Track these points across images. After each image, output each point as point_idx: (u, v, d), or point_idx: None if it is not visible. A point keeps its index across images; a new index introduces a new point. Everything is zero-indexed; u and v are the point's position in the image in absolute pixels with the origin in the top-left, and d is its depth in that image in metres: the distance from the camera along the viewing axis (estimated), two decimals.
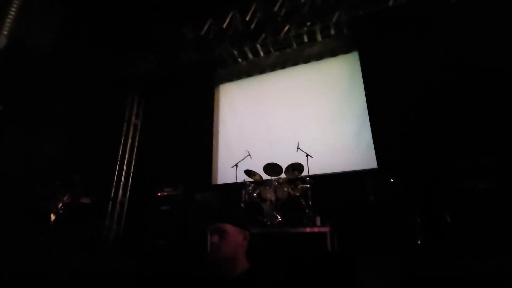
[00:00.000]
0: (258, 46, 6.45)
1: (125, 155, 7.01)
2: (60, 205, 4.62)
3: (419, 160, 4.50)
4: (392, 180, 4.13)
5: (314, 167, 4.68)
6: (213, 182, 6.28)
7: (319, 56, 6.36)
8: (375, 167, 4.96)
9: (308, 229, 3.89)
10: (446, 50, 4.88)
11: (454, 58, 4.75)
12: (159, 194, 5.34)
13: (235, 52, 6.65)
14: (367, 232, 3.91)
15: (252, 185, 4.84)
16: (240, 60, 6.88)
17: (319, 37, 6.14)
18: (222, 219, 1.39)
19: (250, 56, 6.75)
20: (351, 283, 2.51)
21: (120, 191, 6.72)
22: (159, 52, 6.95)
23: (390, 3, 5.19)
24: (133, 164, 7.12)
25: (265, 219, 4.35)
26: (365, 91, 5.50)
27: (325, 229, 3.76)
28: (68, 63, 5.58)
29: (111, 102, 6.69)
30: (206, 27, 6.30)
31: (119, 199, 6.64)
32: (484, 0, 4.71)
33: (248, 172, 4.89)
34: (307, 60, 6.46)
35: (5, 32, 4.22)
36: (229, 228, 1.36)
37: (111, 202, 6.49)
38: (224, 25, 6.21)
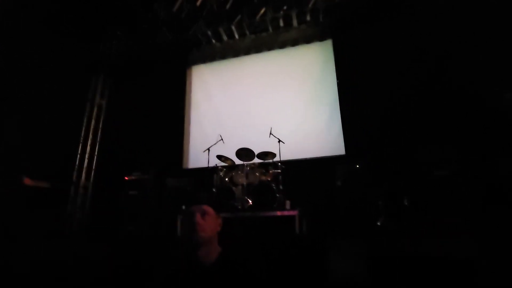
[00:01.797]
0: (233, 28, 6.26)
1: (88, 137, 6.58)
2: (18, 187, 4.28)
3: (384, 148, 4.78)
4: (358, 166, 4.35)
5: (285, 153, 4.78)
6: (184, 167, 6.17)
7: (294, 42, 6.35)
8: (343, 154, 5.18)
9: (278, 213, 4.01)
10: (417, 41, 5.08)
11: (424, 51, 4.98)
12: (127, 178, 5.14)
13: (209, 33, 6.40)
14: (335, 215, 4.14)
15: (224, 169, 4.83)
16: (214, 41, 6.65)
17: (295, 23, 6.11)
18: (202, 202, 1.39)
19: (225, 37, 6.54)
20: (320, 264, 2.66)
21: (84, 174, 6.35)
22: (128, 29, 6.47)
23: None
24: (97, 146, 6.72)
25: (236, 204, 4.40)
26: (337, 79, 5.63)
27: (294, 213, 3.90)
28: (24, 36, 5.00)
29: (73, 80, 6.17)
30: (178, 3, 5.96)
31: (82, 183, 6.29)
32: None
33: (220, 157, 4.86)
34: (282, 45, 6.41)
35: None
36: (210, 210, 1.37)
37: (73, 186, 6.13)
38: (198, 3, 5.92)
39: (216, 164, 4.87)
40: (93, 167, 6.55)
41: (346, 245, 2.80)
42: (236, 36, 6.49)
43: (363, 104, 5.15)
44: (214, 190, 4.61)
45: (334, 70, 5.72)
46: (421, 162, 3.99)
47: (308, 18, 6.00)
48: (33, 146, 5.02)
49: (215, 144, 5.06)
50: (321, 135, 5.51)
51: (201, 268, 1.28)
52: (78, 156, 6.36)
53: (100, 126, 6.86)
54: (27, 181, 4.59)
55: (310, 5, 5.67)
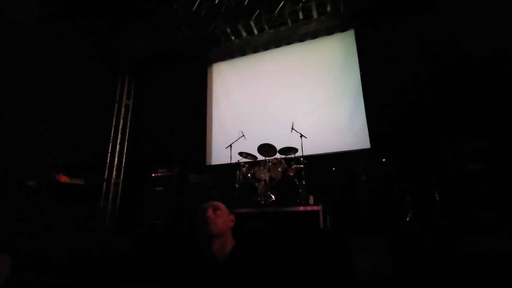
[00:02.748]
0: (252, 24, 6.24)
1: (117, 136, 6.91)
2: (52, 184, 4.60)
3: (411, 141, 4.56)
4: (384, 160, 4.19)
5: (308, 147, 4.71)
6: (207, 163, 6.29)
7: (314, 34, 6.20)
8: (368, 147, 5.01)
9: (301, 208, 3.97)
10: (445, 30, 4.80)
11: (453, 40, 4.69)
12: (153, 175, 5.33)
13: (228, 30, 6.42)
14: (359, 211, 4.02)
15: (247, 165, 4.86)
16: (233, 38, 6.67)
17: (315, 14, 5.95)
18: (215, 198, 1.44)
19: (244, 34, 6.54)
20: (344, 260, 2.60)
21: (114, 172, 6.69)
22: (150, 30, 6.69)
23: None
24: (125, 145, 7.04)
25: (259, 199, 4.41)
26: (360, 71, 5.44)
27: (318, 208, 3.84)
28: (56, 41, 5.35)
29: (101, 82, 6.51)
30: (197, 3, 6.04)
31: (113, 180, 6.63)
32: None
33: (242, 153, 4.89)
34: (302, 38, 6.30)
35: None
36: (221, 205, 1.42)
37: (105, 183, 6.48)
38: (216, 1, 5.96)
39: (238, 160, 4.91)
40: (123, 165, 6.88)
41: (371, 241, 2.71)
42: (255, 32, 6.46)
43: (388, 96, 4.94)
44: (236, 185, 4.66)
45: (357, 61, 5.53)
46: (453, 155, 3.75)
47: (328, 9, 5.82)
48: (69, 145, 5.35)
49: (236, 140, 5.10)
50: (344, 128, 5.36)
51: (216, 261, 1.33)
52: (109, 154, 6.70)
53: (128, 126, 7.17)
54: (64, 178, 4.91)
55: None
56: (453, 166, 3.67)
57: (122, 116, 7.08)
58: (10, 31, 4.67)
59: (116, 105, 7.04)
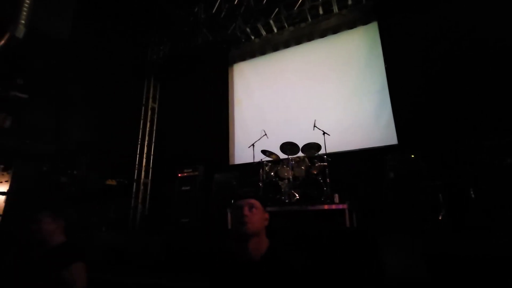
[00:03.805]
0: (271, 22, 6.22)
1: (145, 138, 7.21)
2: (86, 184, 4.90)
3: (441, 136, 4.34)
4: (413, 156, 4.02)
5: (331, 145, 4.63)
6: (231, 162, 6.38)
7: (335, 29, 6.07)
8: (395, 143, 4.84)
9: (326, 207, 3.92)
10: (475, 17, 4.50)
11: (484, 28, 4.38)
12: (179, 175, 5.51)
13: (248, 30, 6.46)
14: (387, 209, 3.90)
15: (270, 164, 4.87)
16: (253, 37, 6.70)
17: (335, 9, 5.82)
18: (250, 195, 1.41)
19: (263, 33, 6.54)
20: (373, 259, 2.54)
21: (143, 173, 6.99)
22: (173, 34, 6.89)
23: None
24: (153, 146, 7.33)
25: (283, 198, 4.42)
26: (385, 64, 5.25)
27: (344, 206, 3.78)
28: (85, 49, 5.68)
29: (129, 86, 6.83)
30: (217, 4, 6.13)
31: (142, 180, 6.93)
32: None
33: (265, 152, 4.92)
34: (323, 34, 6.19)
35: (23, 21, 4.29)
36: (257, 204, 1.39)
37: (135, 183, 6.79)
38: (236, 2, 6.01)
39: (261, 159, 4.94)
40: (150, 166, 7.17)
41: (401, 240, 2.63)
42: (275, 30, 6.44)
43: (415, 89, 4.73)
44: (260, 184, 4.70)
45: (381, 54, 5.33)
46: (489, 149, 3.52)
47: (349, 2, 5.67)
48: (102, 148, 5.66)
49: (259, 139, 5.13)
50: (370, 124, 5.21)
51: (251, 260, 1.31)
52: (137, 156, 7.01)
53: (154, 128, 7.46)
54: (108, 181, 5.20)
55: None
56: (490, 161, 3.45)
57: (148, 119, 7.38)
58: (45, 42, 5.00)
59: (143, 108, 7.35)
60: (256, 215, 1.36)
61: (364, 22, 5.78)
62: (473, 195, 3.68)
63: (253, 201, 1.38)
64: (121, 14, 6.10)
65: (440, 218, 3.60)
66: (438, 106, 4.49)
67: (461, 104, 4.34)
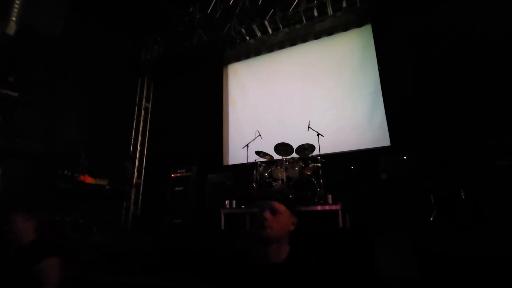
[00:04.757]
0: (266, 23, 6.24)
1: (138, 138, 7.15)
2: (79, 186, 4.83)
3: (433, 137, 4.40)
4: (405, 157, 4.07)
5: (326, 146, 4.66)
6: (225, 163, 6.37)
7: (330, 31, 6.12)
8: (388, 145, 4.89)
9: (319, 207, 3.94)
10: (467, 19, 4.58)
11: (477, 29, 4.46)
12: (172, 175, 5.47)
13: (243, 30, 6.46)
14: (380, 210, 3.94)
15: (264, 165, 4.88)
16: (248, 38, 6.70)
17: (330, 11, 5.86)
18: (275, 198, 1.30)
19: (258, 33, 6.55)
20: (365, 259, 2.56)
21: (135, 173, 6.92)
22: (168, 34, 6.86)
23: None
24: (146, 147, 7.27)
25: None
26: (378, 67, 5.31)
27: (337, 207, 3.80)
28: (79, 48, 5.62)
29: (123, 86, 6.76)
30: (212, 5, 6.13)
31: (135, 180, 6.86)
32: None
33: (259, 153, 4.92)
34: (317, 36, 6.23)
35: (14, 18, 4.22)
36: (282, 208, 1.27)
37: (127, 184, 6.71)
38: (231, 2, 6.02)
39: (255, 160, 4.94)
40: (143, 166, 7.11)
41: (393, 241, 2.65)
42: (270, 31, 6.45)
43: (407, 92, 4.78)
44: (254, 185, 4.69)
45: (375, 57, 5.40)
46: (479, 152, 3.59)
47: (344, 4, 5.72)
48: (94, 147, 5.60)
49: (253, 140, 5.13)
50: (363, 126, 5.25)
51: (270, 265, 1.21)
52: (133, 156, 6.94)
53: (147, 128, 7.40)
54: (89, 179, 5.13)
55: None
56: (480, 163, 3.51)
57: (142, 118, 7.31)
58: (37, 39, 4.94)
59: (136, 108, 7.29)
60: (279, 221, 1.24)
61: (358, 24, 5.84)
62: (463, 196, 3.75)
63: (277, 204, 1.26)
64: (115, 12, 6.05)
65: (431, 218, 3.66)
66: (430, 108, 4.56)
67: (453, 106, 4.41)
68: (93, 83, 5.87)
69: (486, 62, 4.30)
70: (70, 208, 4.57)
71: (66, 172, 4.71)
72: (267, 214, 1.23)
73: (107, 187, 5.28)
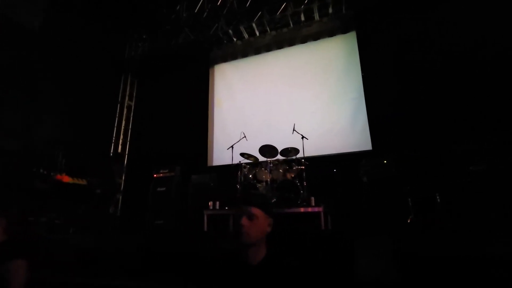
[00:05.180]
0: (254, 25, 6.28)
1: (119, 137, 6.95)
2: (55, 184, 4.64)
3: (413, 143, 4.57)
4: (385, 161, 4.20)
5: (309, 149, 4.72)
6: (209, 164, 6.31)
7: (316, 36, 6.24)
8: (369, 149, 5.02)
9: (302, 209, 3.98)
10: (448, 31, 4.80)
11: (455, 41, 4.68)
12: (155, 175, 5.36)
13: (230, 31, 6.46)
14: (361, 212, 4.03)
15: (248, 166, 4.88)
16: (235, 39, 6.71)
17: (316, 16, 5.98)
18: (251, 203, 1.34)
19: (246, 35, 6.57)
20: (345, 261, 2.61)
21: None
22: (153, 31, 6.74)
23: None
24: (128, 146, 7.08)
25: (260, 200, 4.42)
26: (362, 73, 5.46)
27: (319, 209, 3.85)
28: (61, 42, 5.40)
29: (104, 83, 6.55)
30: (200, 4, 6.09)
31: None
32: None
33: (243, 154, 4.91)
34: (304, 40, 6.33)
35: None
36: (259, 212, 1.31)
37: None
38: (219, 2, 6.00)
39: (239, 161, 4.93)
40: (125, 166, 6.91)
41: (373, 243, 2.72)
42: (257, 34, 6.49)
43: (389, 98, 4.94)
44: (238, 186, 4.68)
45: (359, 63, 5.54)
46: (454, 157, 3.77)
47: (330, 10, 5.85)
48: (72, 145, 5.40)
49: (238, 141, 5.12)
50: (346, 130, 5.38)
51: (248, 266, 1.28)
52: (111, 155, 6.73)
53: (130, 126, 7.21)
54: (66, 178, 4.94)
55: None
56: (454, 168, 3.68)
57: (124, 117, 7.13)
58: (15, 32, 4.71)
59: (119, 106, 7.09)
60: (255, 226, 1.29)
61: (344, 31, 5.99)
62: (438, 200, 3.91)
63: (254, 210, 1.31)
64: (99, 7, 5.87)
65: (409, 221, 3.78)
66: (410, 114, 4.72)
67: (432, 112, 4.59)
68: (73, 79, 5.65)
69: (465, 70, 4.51)
70: (46, 208, 4.37)
71: (42, 170, 4.50)
72: (244, 221, 1.28)
73: (96, 188, 5.12)
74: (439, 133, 4.45)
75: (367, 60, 5.46)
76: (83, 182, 5.00)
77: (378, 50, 5.31)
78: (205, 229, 4.31)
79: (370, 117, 5.18)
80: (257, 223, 1.30)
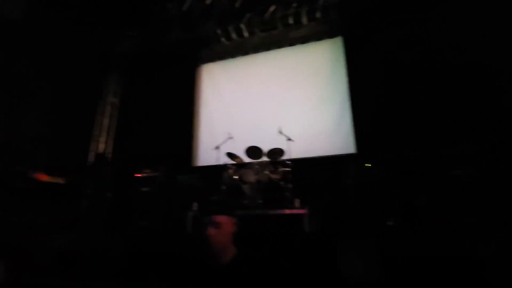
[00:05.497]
0: (243, 26, 6.28)
1: (102, 135, 6.76)
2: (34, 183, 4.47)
3: (396, 147, 4.70)
4: (369, 164, 4.30)
5: (295, 151, 4.77)
6: (195, 164, 6.26)
7: (304, 39, 6.30)
8: (354, 152, 5.13)
9: (286, 211, 4.02)
10: (433, 38, 4.97)
11: (440, 48, 4.85)
12: (139, 175, 5.26)
13: (219, 31, 6.44)
14: (345, 215, 4.11)
15: (234, 167, 4.87)
16: (224, 39, 6.68)
17: (304, 20, 6.06)
18: (215, 212, 1.45)
19: (235, 36, 6.56)
20: (330, 263, 2.66)
21: None
22: (142, 29, 6.60)
23: None
24: (112, 144, 6.89)
25: (246, 201, 4.43)
26: (347, 77, 5.57)
27: (303, 211, 3.90)
28: (43, 35, 5.17)
29: (89, 79, 6.34)
30: (189, 3, 6.02)
31: None
32: None
33: (229, 155, 4.90)
34: (292, 43, 6.38)
35: None
36: (222, 219, 1.43)
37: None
38: (208, 2, 5.96)
39: (225, 162, 4.92)
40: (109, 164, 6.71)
41: (356, 245, 2.79)
42: (246, 34, 6.50)
43: (373, 103, 5.07)
44: (223, 187, 4.66)
45: (345, 68, 5.66)
46: (437, 162, 3.91)
47: (318, 15, 5.94)
48: (54, 143, 5.21)
49: (224, 142, 5.11)
50: (332, 133, 5.47)
51: (217, 268, 1.37)
52: (94, 153, 6.53)
53: (115, 124, 7.02)
54: (44, 177, 4.76)
55: (320, 2, 5.61)
56: (436, 171, 3.82)
57: (108, 114, 6.94)
58: None
59: (103, 103, 6.90)
60: (223, 231, 1.41)
61: (331, 35, 6.08)
62: (422, 203, 4.03)
63: (218, 218, 1.42)
64: (86, 1, 5.67)
65: (392, 223, 3.88)
66: (394, 119, 4.85)
67: (415, 116, 4.73)
68: (56, 75, 5.44)
69: (447, 77, 4.67)
70: (24, 207, 4.19)
71: (19, 168, 4.31)
72: (211, 231, 1.39)
73: (64, 185, 4.93)
74: (423, 138, 4.59)
75: (353, 65, 5.58)
76: (61, 181, 4.83)
77: (364, 56, 5.43)
78: (189, 230, 4.27)
79: (354, 121, 5.29)
80: (224, 229, 1.41)
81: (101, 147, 6.71)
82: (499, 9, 4.40)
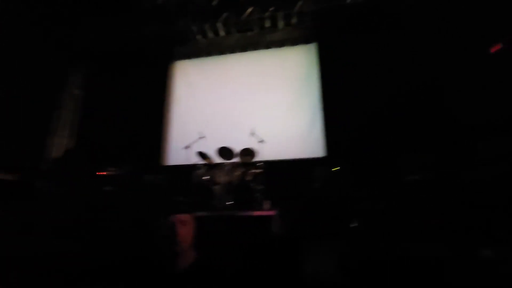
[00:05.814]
0: (219, 25, 6.21)
1: (59, 128, 6.30)
2: None
3: (363, 152, 4.90)
4: (337, 168, 4.43)
5: (266, 153, 4.79)
6: (164, 163, 6.05)
7: (280, 43, 6.38)
8: (323, 156, 5.26)
9: (256, 213, 4.00)
10: (401, 52, 5.26)
11: (408, 62, 5.15)
12: (101, 173, 4.96)
13: (195, 28, 6.31)
14: (311, 217, 4.18)
15: (204, 167, 4.77)
16: (199, 37, 6.56)
17: (280, 24, 6.14)
18: (182, 211, 1.47)
19: (210, 34, 6.47)
20: (294, 264, 2.67)
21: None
22: (111, 21, 6.24)
23: (348, 0, 5.41)
24: (73, 139, 6.45)
25: (215, 202, 4.36)
26: (320, 83, 5.72)
27: (272, 213, 3.91)
28: (6, 22, 4.71)
29: (51, 69, 5.88)
30: None
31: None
32: (438, 8, 5.13)
33: (200, 154, 4.80)
34: (268, 46, 6.43)
35: None
36: (188, 217, 1.46)
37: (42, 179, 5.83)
38: None
39: (195, 162, 4.80)
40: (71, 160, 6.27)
41: (321, 246, 2.84)
42: (222, 34, 6.43)
43: (344, 109, 5.26)
44: (193, 188, 4.54)
45: (318, 73, 5.80)
46: (398, 167, 4.12)
47: (294, 20, 6.05)
48: (5, 136, 4.76)
49: (195, 141, 4.99)
50: (303, 136, 5.57)
51: (180, 269, 1.37)
52: (52, 147, 6.07)
53: (77, 117, 6.59)
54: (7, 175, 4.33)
55: (296, 8, 5.72)
56: (395, 177, 4.03)
57: (70, 107, 6.50)
58: None
59: (65, 95, 6.45)
60: (188, 230, 1.43)
61: (306, 41, 6.22)
62: (381, 207, 4.22)
63: (184, 217, 1.44)
64: None
65: (353, 226, 4.02)
66: (362, 125, 5.06)
67: (382, 124, 4.98)
68: (10, 65, 4.97)
69: (414, 87, 4.97)
70: None
71: None
72: (179, 229, 1.41)
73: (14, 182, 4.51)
74: (388, 144, 4.83)
75: (326, 71, 5.75)
76: (12, 177, 4.42)
77: (336, 63, 5.62)
78: (158, 233, 4.10)
79: (325, 125, 5.44)
80: (189, 228, 1.44)
81: (63, 142, 6.25)
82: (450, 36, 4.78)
